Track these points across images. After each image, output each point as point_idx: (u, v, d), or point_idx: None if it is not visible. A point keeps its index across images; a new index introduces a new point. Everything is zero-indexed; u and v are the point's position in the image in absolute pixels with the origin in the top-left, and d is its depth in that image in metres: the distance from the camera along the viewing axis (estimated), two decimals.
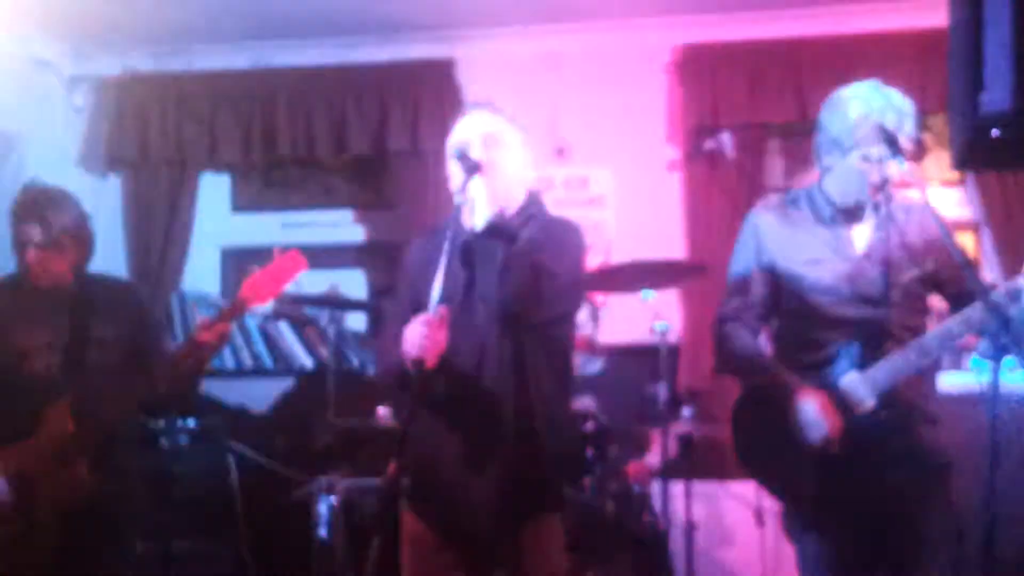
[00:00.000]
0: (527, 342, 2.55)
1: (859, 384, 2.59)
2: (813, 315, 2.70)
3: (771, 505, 4.38)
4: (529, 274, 2.49)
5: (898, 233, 2.69)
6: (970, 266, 2.70)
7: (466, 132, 2.64)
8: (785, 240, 2.76)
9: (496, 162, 2.58)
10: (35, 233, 3.07)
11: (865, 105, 2.61)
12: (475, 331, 2.55)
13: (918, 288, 2.70)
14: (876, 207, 2.70)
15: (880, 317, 2.65)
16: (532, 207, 2.67)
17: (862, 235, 2.72)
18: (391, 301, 2.96)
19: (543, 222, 2.64)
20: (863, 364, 2.60)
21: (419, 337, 2.37)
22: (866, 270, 2.68)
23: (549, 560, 2.61)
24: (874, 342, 2.62)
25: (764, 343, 2.87)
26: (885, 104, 2.61)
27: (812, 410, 2.59)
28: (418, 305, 2.49)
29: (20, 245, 3.08)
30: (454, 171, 2.61)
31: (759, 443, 2.73)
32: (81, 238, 3.15)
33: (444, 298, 2.42)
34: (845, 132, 2.62)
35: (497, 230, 2.58)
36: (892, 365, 2.58)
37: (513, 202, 2.63)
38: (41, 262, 3.08)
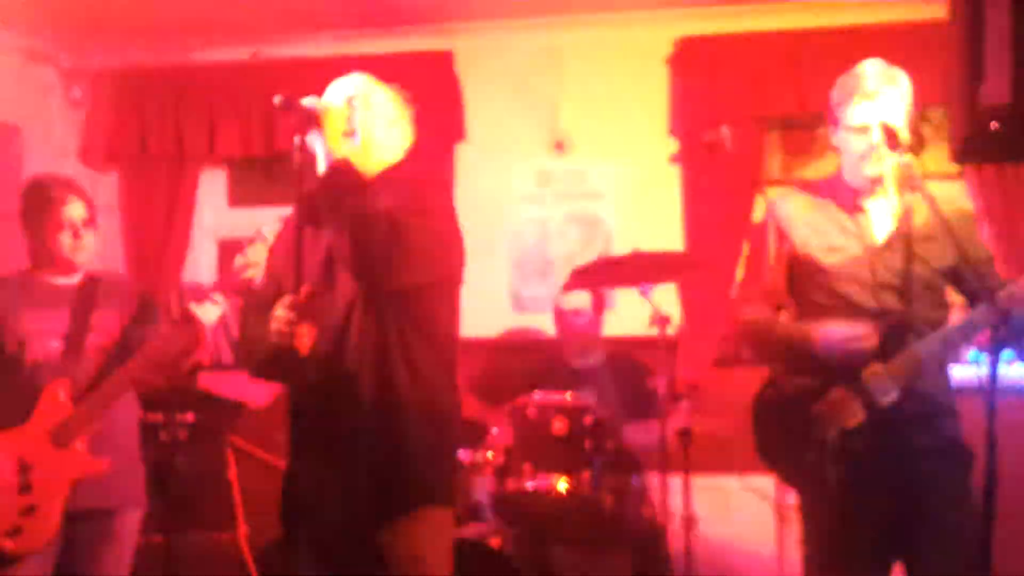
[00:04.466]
0: (390, 313, 2.31)
1: (883, 376, 2.55)
2: (833, 305, 2.65)
3: (774, 498, 4.40)
4: (382, 229, 2.21)
5: (921, 224, 2.63)
6: (989, 263, 2.69)
7: (331, 94, 2.51)
8: (806, 226, 2.72)
9: (363, 125, 2.44)
10: (81, 212, 3.12)
11: (863, 77, 2.62)
12: (335, 305, 2.31)
13: (939, 280, 2.65)
14: (899, 195, 2.66)
15: (901, 308, 2.60)
16: (396, 170, 2.49)
17: (883, 224, 2.68)
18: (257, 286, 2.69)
19: (405, 180, 2.42)
20: (885, 356, 2.55)
21: (287, 324, 2.20)
22: (886, 260, 2.64)
23: (421, 562, 2.33)
24: (896, 334, 2.57)
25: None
26: (881, 76, 2.61)
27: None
28: (282, 286, 2.30)
29: (54, 227, 3.08)
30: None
31: (780, 436, 2.68)
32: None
33: (306, 273, 2.21)
34: (844, 106, 2.62)
35: (336, 176, 2.32)
36: (915, 357, 2.53)
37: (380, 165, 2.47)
38: (88, 244, 3.12)
